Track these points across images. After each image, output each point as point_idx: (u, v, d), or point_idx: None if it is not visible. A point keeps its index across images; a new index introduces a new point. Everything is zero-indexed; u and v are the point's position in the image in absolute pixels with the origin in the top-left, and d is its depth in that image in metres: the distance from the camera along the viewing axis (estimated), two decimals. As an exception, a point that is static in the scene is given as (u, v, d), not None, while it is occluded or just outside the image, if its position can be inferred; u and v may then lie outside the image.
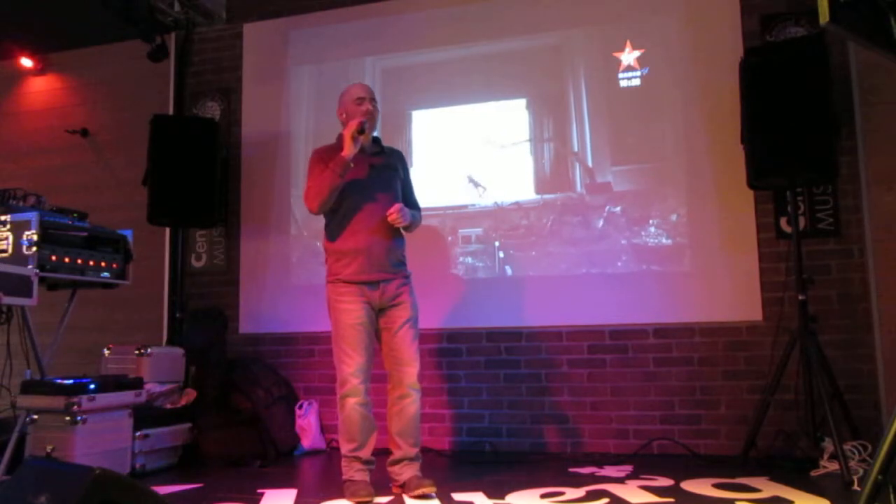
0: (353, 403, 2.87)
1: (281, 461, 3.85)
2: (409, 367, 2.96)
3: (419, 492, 2.81)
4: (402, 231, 3.09)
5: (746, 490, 2.85)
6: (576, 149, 4.15)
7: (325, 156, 3.01)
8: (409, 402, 2.95)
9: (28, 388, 3.14)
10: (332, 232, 3.03)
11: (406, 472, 2.92)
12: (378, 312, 3.00)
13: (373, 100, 3.11)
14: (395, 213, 2.93)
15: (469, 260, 4.25)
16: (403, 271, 3.06)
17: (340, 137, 3.06)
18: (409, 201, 3.19)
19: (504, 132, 4.26)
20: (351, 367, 2.88)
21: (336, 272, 2.99)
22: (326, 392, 4.23)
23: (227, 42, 4.90)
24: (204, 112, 4.86)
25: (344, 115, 3.11)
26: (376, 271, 2.96)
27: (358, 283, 2.94)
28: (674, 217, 3.94)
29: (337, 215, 3.01)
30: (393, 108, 4.43)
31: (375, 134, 3.17)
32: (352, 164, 2.91)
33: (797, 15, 3.83)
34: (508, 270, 4.17)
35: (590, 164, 4.12)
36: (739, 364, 3.77)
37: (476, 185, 4.20)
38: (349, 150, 2.89)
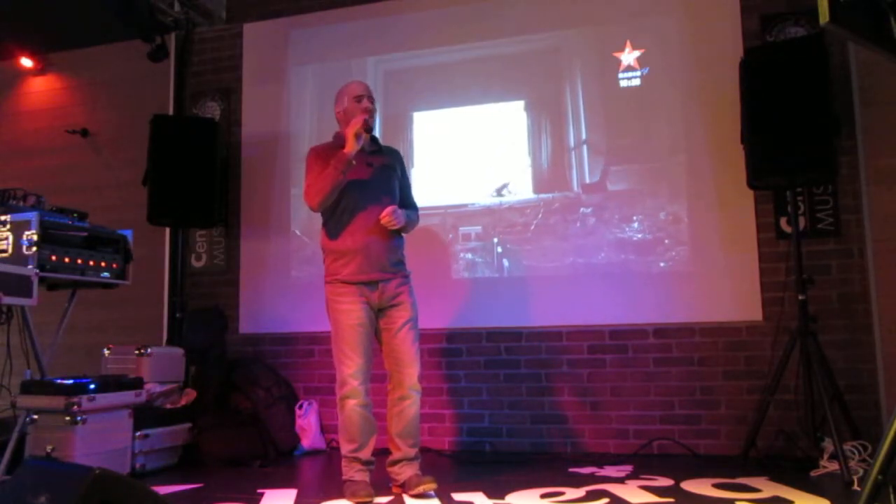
0: (352, 405, 2.87)
1: (281, 461, 3.85)
2: (410, 368, 2.95)
3: (419, 489, 2.81)
4: (400, 231, 3.08)
5: (746, 490, 2.85)
6: (573, 149, 4.14)
7: (324, 153, 3.00)
8: (410, 403, 2.95)
9: (28, 388, 3.14)
10: (330, 231, 3.02)
11: (405, 471, 2.92)
12: (378, 313, 2.99)
13: (371, 98, 3.10)
14: (388, 216, 2.91)
15: (469, 256, 4.24)
16: (403, 271, 3.05)
17: (337, 136, 3.07)
18: (407, 201, 3.18)
19: (504, 133, 4.26)
20: (350, 368, 2.87)
21: (334, 272, 2.98)
22: (326, 392, 4.24)
23: (227, 42, 4.90)
24: (204, 112, 4.86)
25: (342, 113, 3.09)
26: (375, 271, 2.95)
27: (356, 283, 2.93)
28: (673, 217, 3.94)
29: (335, 214, 3.00)
30: (394, 110, 4.43)
31: (375, 133, 3.16)
32: (353, 162, 2.90)
33: (797, 15, 3.83)
34: (508, 270, 4.17)
35: (588, 164, 4.12)
36: (739, 364, 3.77)
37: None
38: (352, 147, 2.88)
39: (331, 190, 2.90)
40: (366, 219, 2.95)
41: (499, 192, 4.23)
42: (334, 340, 2.94)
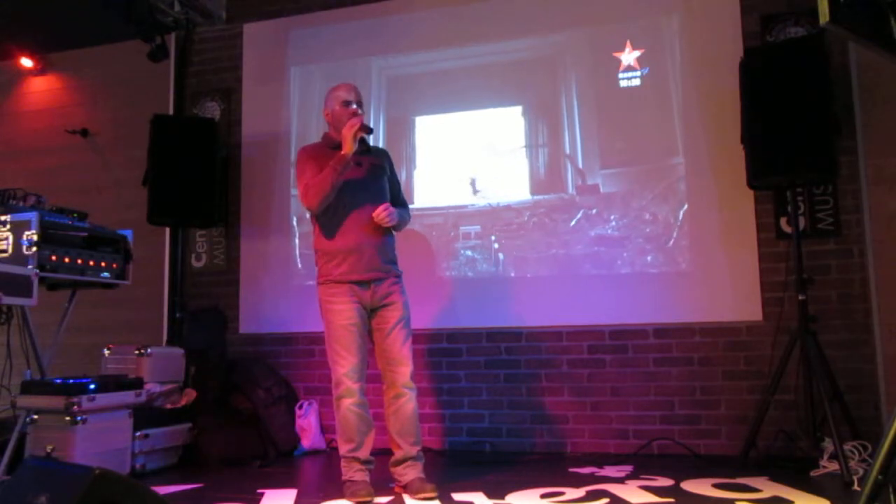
0: (348, 404, 2.88)
1: (281, 461, 3.85)
2: (403, 367, 2.96)
3: (420, 496, 2.81)
4: (392, 229, 3.09)
5: (746, 490, 2.85)
6: (569, 151, 4.14)
7: (315, 153, 3.04)
8: (405, 400, 2.95)
9: (28, 388, 3.14)
10: (323, 232, 3.03)
11: (409, 473, 2.92)
12: (370, 313, 2.99)
13: (360, 101, 3.12)
14: (382, 213, 2.93)
15: (468, 253, 4.24)
16: (394, 270, 3.06)
17: (326, 137, 3.13)
18: (397, 199, 3.21)
19: (505, 136, 4.26)
20: (344, 367, 2.89)
21: (327, 273, 2.99)
22: (326, 392, 4.19)
23: (227, 42, 4.90)
24: (204, 112, 4.85)
25: (330, 115, 3.13)
26: (367, 271, 2.95)
27: (349, 283, 2.94)
28: (674, 217, 3.94)
29: (327, 215, 3.01)
30: (397, 114, 4.44)
31: (378, 135, 3.17)
32: (351, 163, 2.92)
33: (797, 15, 3.83)
34: (505, 268, 4.17)
35: (588, 164, 4.12)
36: (739, 364, 3.77)
37: (474, 189, 4.20)
38: (350, 148, 2.90)
39: (330, 190, 2.92)
40: (358, 218, 2.97)
41: (489, 195, 4.23)
42: (328, 341, 2.96)
